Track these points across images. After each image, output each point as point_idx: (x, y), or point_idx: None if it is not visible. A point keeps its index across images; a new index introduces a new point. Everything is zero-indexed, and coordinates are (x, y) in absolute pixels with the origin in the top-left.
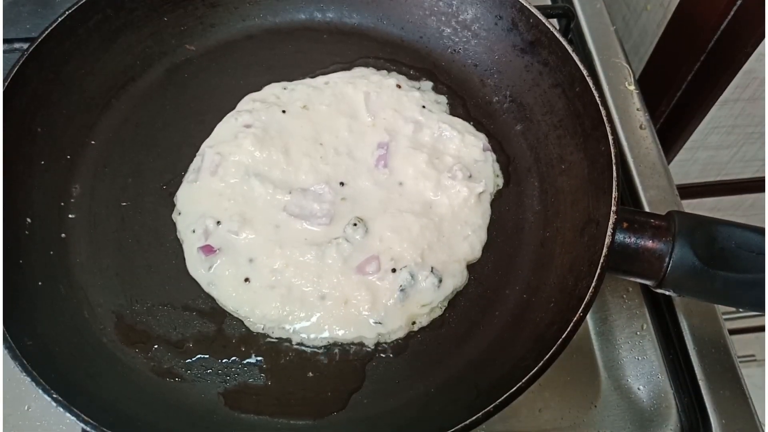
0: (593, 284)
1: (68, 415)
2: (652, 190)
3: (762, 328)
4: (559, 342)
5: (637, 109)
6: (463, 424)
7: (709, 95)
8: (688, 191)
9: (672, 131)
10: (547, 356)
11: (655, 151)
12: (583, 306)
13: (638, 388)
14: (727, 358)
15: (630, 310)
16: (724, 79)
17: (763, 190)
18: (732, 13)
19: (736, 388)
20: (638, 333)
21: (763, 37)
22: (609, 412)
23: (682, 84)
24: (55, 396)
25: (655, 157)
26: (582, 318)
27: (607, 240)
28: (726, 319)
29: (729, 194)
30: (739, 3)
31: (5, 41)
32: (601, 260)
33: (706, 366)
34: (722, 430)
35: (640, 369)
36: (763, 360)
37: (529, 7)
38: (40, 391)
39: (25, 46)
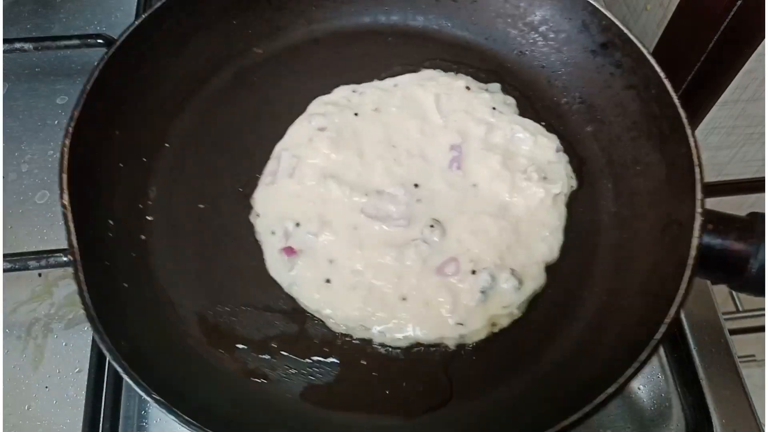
0: (684, 286)
1: (170, 416)
2: None
3: (762, 328)
4: (654, 343)
5: None
6: (561, 425)
7: (709, 96)
8: None
9: None
10: (644, 357)
11: None
12: (676, 307)
13: (638, 388)
14: (728, 358)
15: None
16: (724, 79)
17: (763, 190)
18: (732, 13)
19: (736, 388)
20: None
21: (763, 37)
22: (609, 412)
23: (682, 84)
24: (155, 397)
25: None
26: (676, 318)
27: (696, 242)
28: (726, 319)
29: (729, 194)
30: (739, 3)
31: (5, 41)
32: (692, 262)
33: (706, 366)
34: (723, 430)
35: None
36: (763, 360)
37: (601, 9)
38: (141, 393)
39: (26, 45)
